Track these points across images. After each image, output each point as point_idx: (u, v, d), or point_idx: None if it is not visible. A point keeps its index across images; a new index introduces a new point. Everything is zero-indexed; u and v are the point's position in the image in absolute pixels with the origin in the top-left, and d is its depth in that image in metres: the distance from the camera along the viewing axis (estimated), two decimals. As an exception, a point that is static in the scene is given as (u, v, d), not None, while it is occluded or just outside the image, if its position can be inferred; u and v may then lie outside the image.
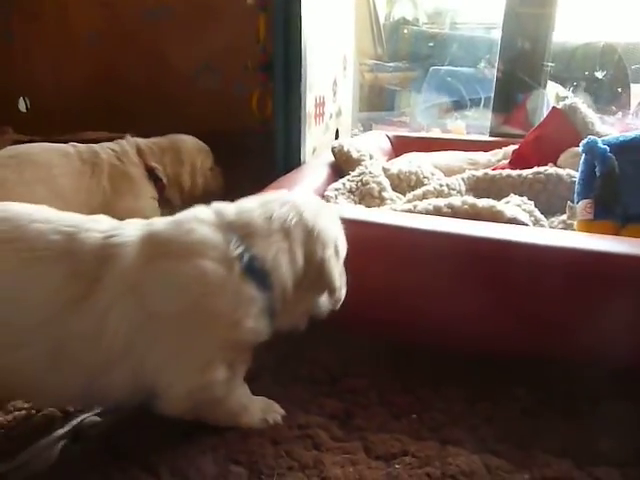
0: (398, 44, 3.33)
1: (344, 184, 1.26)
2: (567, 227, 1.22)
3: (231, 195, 1.65)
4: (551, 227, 1.24)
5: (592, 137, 1.12)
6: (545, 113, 2.10)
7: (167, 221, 0.72)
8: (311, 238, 0.73)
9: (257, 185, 1.36)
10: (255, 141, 1.85)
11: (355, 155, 1.38)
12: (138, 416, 0.75)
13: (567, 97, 2.73)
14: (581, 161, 1.15)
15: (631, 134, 1.12)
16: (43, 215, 0.69)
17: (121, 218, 1.36)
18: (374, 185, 1.24)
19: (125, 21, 2.18)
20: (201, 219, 0.70)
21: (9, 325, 0.63)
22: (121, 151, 1.42)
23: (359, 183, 1.26)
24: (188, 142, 1.59)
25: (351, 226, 0.81)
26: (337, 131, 1.88)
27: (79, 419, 0.76)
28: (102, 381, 0.64)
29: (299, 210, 0.74)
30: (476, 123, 2.74)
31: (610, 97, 2.70)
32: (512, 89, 2.16)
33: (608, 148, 1.08)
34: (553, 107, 1.61)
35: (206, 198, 0.82)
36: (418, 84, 3.17)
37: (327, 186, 1.29)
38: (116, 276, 0.64)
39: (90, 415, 0.76)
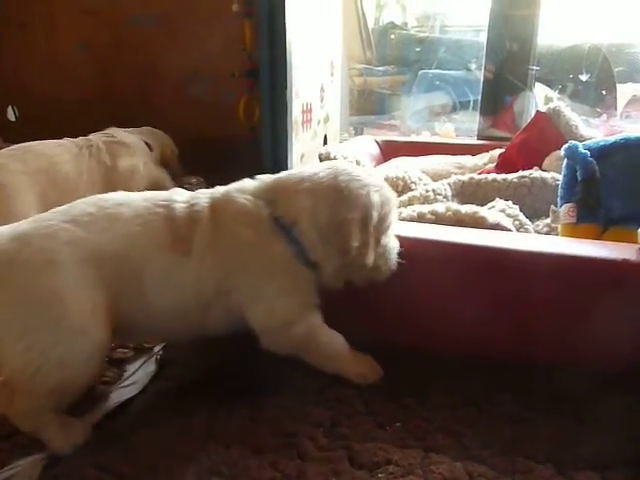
0: (387, 48, 3.34)
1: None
2: (551, 231, 1.23)
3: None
4: (536, 231, 1.25)
5: (573, 142, 1.13)
6: (532, 115, 2.12)
7: (222, 191, 0.86)
8: (338, 199, 0.81)
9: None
10: (243, 148, 1.86)
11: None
12: (121, 432, 0.75)
13: (555, 99, 2.76)
14: (563, 165, 1.16)
15: (611, 138, 1.13)
16: (139, 195, 0.83)
17: (124, 178, 1.47)
18: (360, 192, 1.24)
19: (111, 29, 2.18)
20: (243, 189, 0.85)
21: (142, 279, 0.76)
22: (110, 132, 1.63)
23: (345, 190, 1.26)
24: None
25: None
26: (325, 137, 1.88)
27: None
28: (207, 318, 0.81)
29: (337, 174, 0.83)
30: (465, 126, 2.75)
31: (596, 99, 2.72)
32: (499, 91, 2.18)
33: (589, 153, 1.09)
34: (537, 111, 1.62)
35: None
36: (408, 87, 3.18)
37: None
38: (200, 236, 0.79)
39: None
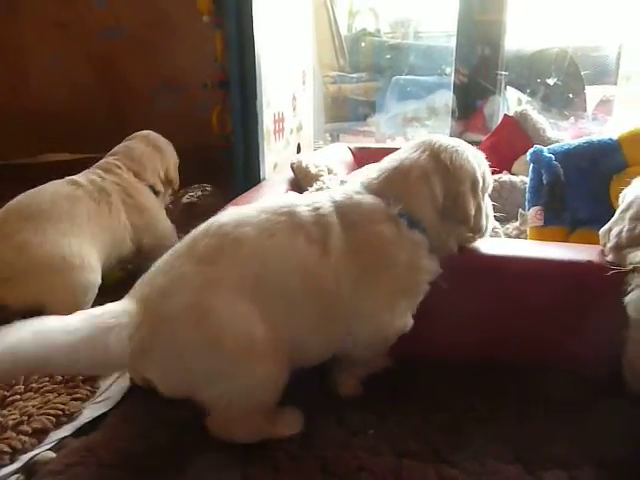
0: (360, 55, 3.36)
1: (302, 200, 1.26)
2: (521, 233, 1.25)
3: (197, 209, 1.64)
4: (506, 234, 1.27)
5: (538, 146, 1.15)
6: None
7: (340, 195, 0.83)
8: (448, 177, 0.83)
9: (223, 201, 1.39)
10: (218, 158, 1.86)
11: (313, 170, 1.39)
12: (93, 448, 0.75)
13: (528, 102, 2.81)
14: (530, 169, 1.18)
15: (575, 142, 1.16)
16: (251, 209, 0.81)
17: (155, 243, 1.31)
18: (332, 200, 1.25)
19: (81, 42, 2.17)
20: (358, 189, 0.84)
21: (287, 292, 0.74)
22: (123, 182, 1.33)
23: (317, 198, 1.27)
24: (163, 142, 1.56)
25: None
26: (299, 145, 1.89)
27: (31, 455, 0.75)
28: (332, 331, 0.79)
29: (434, 151, 0.84)
30: (439, 131, 2.78)
31: (565, 102, 2.78)
32: (469, 96, 2.22)
33: (553, 157, 1.12)
34: (505, 115, 1.65)
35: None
36: (382, 94, 3.21)
37: (286, 202, 1.30)
38: (335, 239, 0.77)
39: (42, 451, 0.76)
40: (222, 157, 1.76)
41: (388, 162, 0.87)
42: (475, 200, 0.85)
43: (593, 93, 3.11)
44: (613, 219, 0.88)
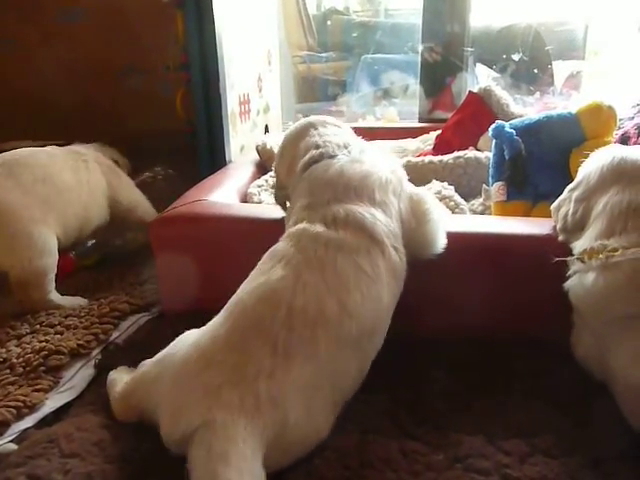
0: (329, 34, 3.33)
1: (267, 180, 1.26)
2: (486, 209, 1.26)
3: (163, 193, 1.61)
4: (472, 209, 1.29)
5: (500, 122, 1.16)
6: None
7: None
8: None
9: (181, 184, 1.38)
10: (183, 141, 1.83)
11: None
12: (55, 438, 0.74)
13: (495, 78, 2.82)
14: (492, 145, 1.19)
15: (535, 116, 1.17)
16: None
17: (127, 208, 1.39)
18: (297, 181, 1.25)
19: (40, 25, 2.09)
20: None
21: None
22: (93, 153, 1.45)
23: (282, 180, 1.26)
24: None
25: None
26: (266, 127, 1.87)
27: (-7, 447, 0.74)
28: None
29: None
30: (408, 109, 2.77)
31: (532, 77, 2.80)
32: (437, 73, 2.20)
33: (515, 132, 1.12)
34: (469, 92, 1.65)
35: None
36: (351, 73, 3.18)
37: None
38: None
39: (3, 443, 0.74)
40: (187, 141, 1.74)
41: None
42: None
43: (561, 68, 3.14)
44: (562, 196, 0.89)
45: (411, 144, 1.80)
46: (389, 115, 2.55)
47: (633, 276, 0.69)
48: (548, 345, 0.88)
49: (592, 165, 0.84)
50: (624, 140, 1.40)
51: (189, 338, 0.69)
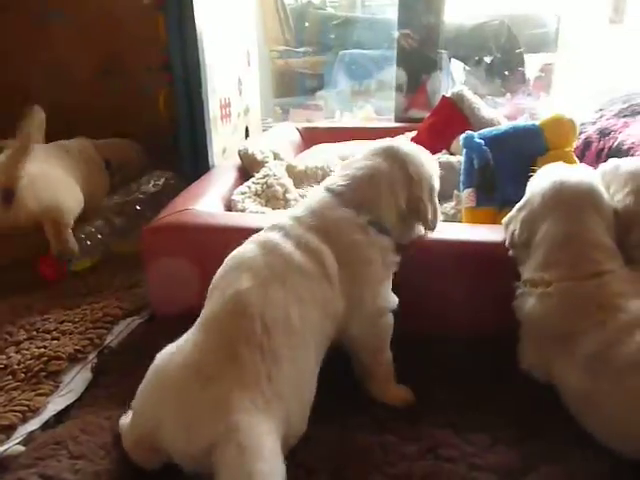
0: (306, 29, 3.35)
1: (249, 187, 1.31)
2: (458, 212, 1.34)
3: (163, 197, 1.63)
4: (444, 212, 1.36)
5: (469, 132, 1.23)
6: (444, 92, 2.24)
7: (314, 216, 0.86)
8: (410, 185, 0.91)
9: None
10: (165, 140, 1.87)
11: (259, 157, 1.44)
12: (61, 440, 0.80)
13: (470, 73, 2.90)
14: (463, 154, 1.26)
15: (502, 127, 1.25)
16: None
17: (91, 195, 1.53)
18: (278, 187, 1.31)
19: (15, 27, 2.09)
20: (331, 204, 0.88)
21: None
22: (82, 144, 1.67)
23: (264, 185, 1.32)
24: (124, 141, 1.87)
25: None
26: (247, 129, 1.92)
27: (1, 450, 0.79)
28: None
29: (398, 159, 0.92)
30: (386, 104, 2.83)
31: (504, 76, 2.89)
32: (414, 70, 2.25)
33: (483, 142, 1.20)
34: (443, 96, 1.72)
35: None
36: (329, 68, 3.23)
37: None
38: (330, 262, 0.82)
39: (12, 445, 0.80)
40: (170, 142, 1.78)
41: (356, 169, 0.91)
42: (432, 205, 0.95)
43: (534, 61, 3.24)
44: (511, 213, 0.95)
45: (387, 145, 1.86)
46: (365, 113, 2.61)
47: (561, 305, 0.81)
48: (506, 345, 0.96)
49: (537, 186, 0.91)
50: (587, 144, 1.50)
51: (168, 365, 0.71)
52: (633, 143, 1.35)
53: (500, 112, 1.79)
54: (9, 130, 2.14)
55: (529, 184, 0.96)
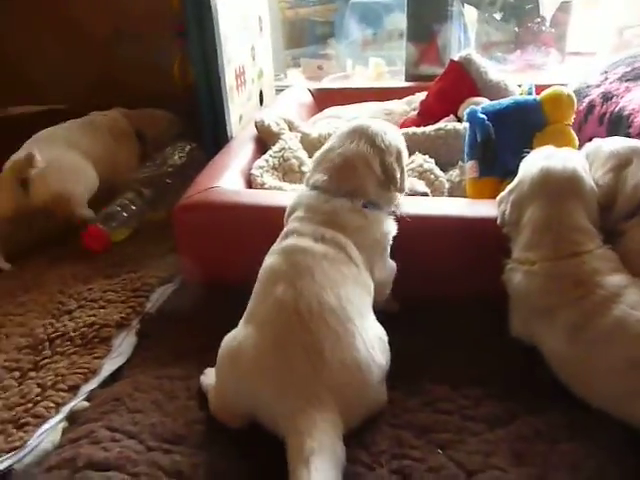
0: (316, -25, 3.29)
1: (267, 161, 1.41)
2: (463, 179, 1.43)
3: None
4: (449, 180, 1.45)
5: (472, 107, 1.30)
6: (459, 46, 2.25)
7: (322, 214, 0.95)
8: (382, 154, 1.00)
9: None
10: (179, 108, 1.95)
11: (275, 129, 1.52)
12: (119, 397, 0.95)
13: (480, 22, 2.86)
14: (467, 127, 1.34)
15: (504, 101, 1.31)
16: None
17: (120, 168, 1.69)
18: (294, 160, 1.40)
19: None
20: (326, 199, 0.97)
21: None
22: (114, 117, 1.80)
23: (281, 159, 1.42)
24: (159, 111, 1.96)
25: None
26: (261, 93, 1.98)
27: (70, 405, 0.95)
28: None
29: (370, 138, 1.01)
30: (400, 54, 2.83)
31: (522, 14, 2.85)
32: (424, 18, 2.22)
33: (486, 117, 1.27)
34: (451, 60, 1.76)
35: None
36: (340, 16, 3.19)
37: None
38: (350, 245, 0.94)
39: (78, 402, 0.96)
40: (185, 109, 1.86)
41: (331, 161, 0.99)
42: (399, 167, 1.05)
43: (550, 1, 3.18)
44: (503, 193, 1.03)
45: (398, 106, 1.92)
46: (378, 68, 2.62)
47: (544, 282, 0.92)
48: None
49: (527, 170, 0.99)
50: (590, 108, 1.56)
51: (242, 355, 0.83)
52: (633, 109, 1.41)
53: (510, 68, 1.80)
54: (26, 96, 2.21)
55: (521, 165, 1.04)
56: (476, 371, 0.98)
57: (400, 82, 2.24)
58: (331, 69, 3.12)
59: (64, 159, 1.52)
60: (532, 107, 1.27)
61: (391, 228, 1.03)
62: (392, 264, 1.05)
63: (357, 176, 0.98)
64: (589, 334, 0.85)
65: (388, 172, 1.01)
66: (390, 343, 0.94)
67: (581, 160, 1.00)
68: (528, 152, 1.09)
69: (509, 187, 1.03)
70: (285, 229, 0.96)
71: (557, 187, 0.94)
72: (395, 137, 1.06)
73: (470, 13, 3.05)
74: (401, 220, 1.05)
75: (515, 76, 1.97)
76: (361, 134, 1.01)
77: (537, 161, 0.99)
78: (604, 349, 0.84)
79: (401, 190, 1.06)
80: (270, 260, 0.92)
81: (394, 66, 2.76)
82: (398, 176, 1.03)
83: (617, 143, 1.02)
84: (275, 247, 0.94)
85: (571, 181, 0.94)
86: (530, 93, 1.48)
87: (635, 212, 0.93)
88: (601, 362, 0.84)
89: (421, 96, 1.85)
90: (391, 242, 1.03)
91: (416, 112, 1.80)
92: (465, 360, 1.01)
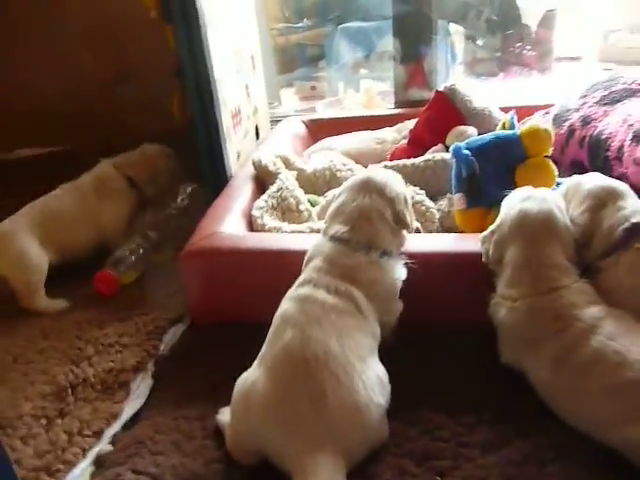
0: (304, 3, 3.40)
1: (266, 201, 1.48)
2: (451, 210, 1.50)
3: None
4: (440, 210, 1.52)
5: (457, 144, 1.38)
6: (446, 67, 2.31)
7: (339, 265, 1.02)
8: (392, 204, 1.09)
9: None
10: (180, 145, 2.02)
11: (272, 168, 1.60)
12: (141, 439, 1.02)
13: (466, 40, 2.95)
14: (453, 162, 1.42)
15: (487, 137, 1.39)
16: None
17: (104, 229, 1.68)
18: (292, 200, 1.48)
19: (31, 37, 2.22)
20: (345, 253, 1.04)
21: None
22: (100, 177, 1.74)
23: (279, 199, 1.49)
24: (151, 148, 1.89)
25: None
26: (257, 128, 2.06)
27: (96, 450, 1.03)
28: None
29: (379, 190, 1.09)
30: (389, 75, 2.91)
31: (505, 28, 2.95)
32: (410, 39, 2.28)
33: (470, 152, 1.35)
34: (436, 91, 1.84)
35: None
36: (329, 41, 3.29)
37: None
38: (359, 297, 1.02)
39: (104, 446, 1.04)
40: (184, 147, 1.93)
41: (349, 213, 1.06)
42: (408, 212, 1.14)
43: (535, 9, 3.28)
44: (485, 233, 1.10)
45: (388, 135, 2.00)
46: (367, 90, 2.70)
47: (526, 317, 1.00)
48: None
49: (507, 213, 1.07)
50: (570, 132, 1.63)
51: (253, 397, 0.90)
52: (610, 133, 1.49)
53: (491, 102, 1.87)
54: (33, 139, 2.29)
55: (502, 205, 1.12)
56: (468, 396, 1.05)
57: (390, 110, 2.32)
58: (324, 89, 3.22)
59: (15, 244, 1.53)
60: (512, 142, 1.35)
61: (402, 273, 1.11)
62: (399, 305, 1.11)
63: (373, 227, 1.05)
64: (570, 365, 0.93)
65: (400, 219, 1.10)
66: (389, 372, 1.00)
67: (557, 200, 1.08)
68: (511, 190, 1.17)
69: (491, 227, 1.10)
70: (303, 276, 1.04)
71: (533, 229, 1.01)
72: (398, 184, 1.14)
73: (456, 31, 3.15)
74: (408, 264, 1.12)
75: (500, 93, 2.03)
76: (370, 188, 1.08)
77: (516, 203, 1.06)
78: (584, 379, 0.91)
79: (411, 230, 1.16)
80: (285, 306, 1.00)
81: (385, 84, 2.83)
82: (409, 220, 1.13)
83: (595, 182, 1.09)
84: (291, 293, 1.02)
85: (546, 222, 1.02)
86: (512, 123, 1.57)
87: (611, 251, 1.01)
88: (583, 391, 0.92)
89: (410, 124, 1.93)
90: (400, 286, 1.11)
91: (406, 140, 1.88)
92: (458, 387, 1.08)
